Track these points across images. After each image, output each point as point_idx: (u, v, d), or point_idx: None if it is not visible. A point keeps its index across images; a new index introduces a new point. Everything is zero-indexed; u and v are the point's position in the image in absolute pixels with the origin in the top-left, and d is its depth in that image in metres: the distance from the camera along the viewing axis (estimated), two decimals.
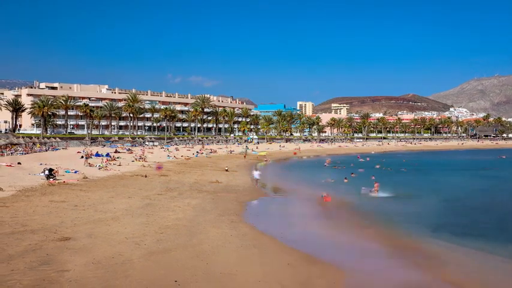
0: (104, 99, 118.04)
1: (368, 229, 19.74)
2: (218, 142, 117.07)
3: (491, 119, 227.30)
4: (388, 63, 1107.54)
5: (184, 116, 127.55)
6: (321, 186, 35.21)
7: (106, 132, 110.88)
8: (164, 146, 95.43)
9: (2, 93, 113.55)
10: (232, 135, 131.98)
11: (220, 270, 11.96)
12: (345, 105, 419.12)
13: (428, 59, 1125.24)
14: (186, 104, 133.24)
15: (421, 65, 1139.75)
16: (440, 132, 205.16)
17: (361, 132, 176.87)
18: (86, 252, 12.56)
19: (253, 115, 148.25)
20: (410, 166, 60.03)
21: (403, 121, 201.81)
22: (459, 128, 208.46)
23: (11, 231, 14.41)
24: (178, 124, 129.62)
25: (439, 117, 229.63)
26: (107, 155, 57.26)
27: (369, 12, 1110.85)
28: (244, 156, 69.81)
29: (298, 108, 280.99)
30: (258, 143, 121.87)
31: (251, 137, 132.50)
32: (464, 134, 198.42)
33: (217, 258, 13.12)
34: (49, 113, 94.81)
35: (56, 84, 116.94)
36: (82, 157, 50.56)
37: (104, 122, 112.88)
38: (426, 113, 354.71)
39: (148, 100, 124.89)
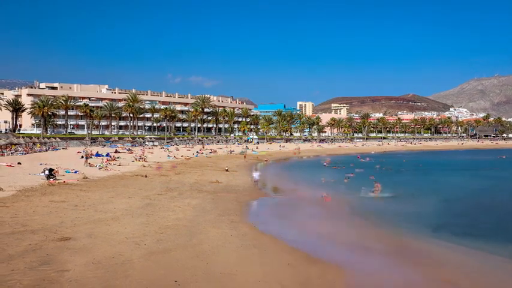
0: (104, 99, 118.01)
1: (368, 229, 19.75)
2: (218, 142, 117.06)
3: (491, 119, 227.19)
4: (388, 63, 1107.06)
5: (184, 116, 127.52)
6: (320, 186, 35.23)
7: (106, 132, 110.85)
8: (164, 146, 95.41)
9: (2, 93, 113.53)
10: (232, 135, 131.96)
11: (220, 270, 11.97)
12: (344, 105, 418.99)
13: (428, 59, 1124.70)
14: (186, 104, 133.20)
15: (421, 65, 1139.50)
16: (440, 132, 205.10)
17: (361, 132, 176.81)
18: (86, 252, 12.56)
19: (253, 115, 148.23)
20: (410, 166, 60.04)
21: (403, 121, 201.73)
22: (459, 128, 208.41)
23: (11, 231, 14.41)
24: (179, 124, 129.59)
25: (439, 117, 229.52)
26: (107, 155, 57.26)
27: (369, 12, 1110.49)
28: (245, 157, 69.79)
29: (298, 108, 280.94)
30: (258, 143, 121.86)
31: (251, 137, 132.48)
32: (464, 134, 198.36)
33: (217, 258, 13.12)
34: (49, 113, 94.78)
35: (56, 84, 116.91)
36: (82, 157, 50.55)
37: (104, 122, 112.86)
38: (426, 113, 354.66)
39: (149, 100, 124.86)
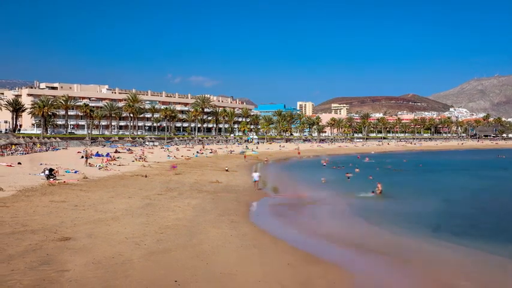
0: (104, 99, 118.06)
1: (368, 229, 19.76)
2: (218, 142, 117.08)
3: (491, 119, 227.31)
4: (388, 63, 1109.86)
5: (184, 116, 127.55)
6: (320, 186, 35.27)
7: (106, 132, 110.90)
8: (164, 146, 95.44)
9: (2, 93, 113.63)
10: (232, 135, 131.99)
11: (220, 270, 11.97)
12: (344, 105, 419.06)
13: (428, 59, 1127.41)
14: (186, 104, 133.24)
15: (421, 65, 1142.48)
16: (440, 132, 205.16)
17: (361, 132, 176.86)
18: (86, 252, 12.56)
19: (253, 115, 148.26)
20: (410, 166, 60.03)
21: (403, 121, 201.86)
22: (459, 128, 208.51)
23: (11, 231, 14.41)
24: (179, 124, 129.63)
25: (439, 118, 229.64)
26: (107, 155, 57.27)
27: (369, 12, 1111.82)
28: (245, 157, 69.79)
29: (298, 108, 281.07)
30: (258, 143, 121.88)
31: (251, 137, 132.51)
32: (464, 134, 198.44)
33: (217, 258, 13.12)
34: (49, 113, 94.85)
35: (56, 84, 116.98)
36: (82, 157, 50.55)
37: (104, 122, 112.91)
38: (426, 113, 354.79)
39: (149, 100, 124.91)
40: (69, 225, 15.98)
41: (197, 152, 75.51)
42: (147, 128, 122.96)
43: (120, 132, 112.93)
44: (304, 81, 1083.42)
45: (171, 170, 40.62)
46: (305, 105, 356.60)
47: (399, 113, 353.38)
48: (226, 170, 44.75)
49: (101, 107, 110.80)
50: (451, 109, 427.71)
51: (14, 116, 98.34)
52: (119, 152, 65.58)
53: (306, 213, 23.42)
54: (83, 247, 13.10)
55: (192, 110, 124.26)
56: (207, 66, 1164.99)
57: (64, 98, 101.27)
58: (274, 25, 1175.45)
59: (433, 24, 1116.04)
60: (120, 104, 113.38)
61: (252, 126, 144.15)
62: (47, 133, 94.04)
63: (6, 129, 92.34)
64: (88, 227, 15.87)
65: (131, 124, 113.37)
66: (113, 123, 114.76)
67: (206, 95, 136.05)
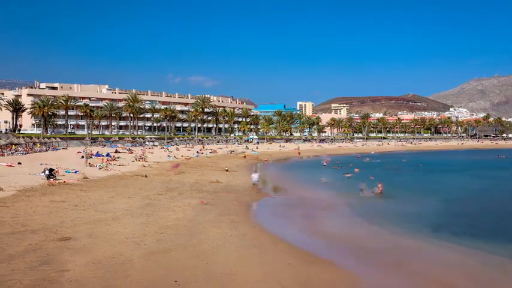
0: (104, 99, 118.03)
1: (368, 229, 19.76)
2: (218, 142, 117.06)
3: (491, 119, 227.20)
4: (388, 63, 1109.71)
5: (184, 116, 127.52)
6: (320, 186, 35.28)
7: (106, 132, 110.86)
8: (164, 146, 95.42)
9: (3, 93, 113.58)
10: (232, 135, 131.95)
11: (220, 270, 11.97)
12: (344, 105, 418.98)
13: (428, 59, 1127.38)
14: (186, 104, 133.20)
15: (421, 65, 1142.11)
16: (440, 132, 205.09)
17: (361, 133, 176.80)
18: (86, 252, 12.57)
19: (253, 115, 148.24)
20: (410, 166, 60.02)
21: (403, 121, 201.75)
22: (459, 128, 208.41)
23: (12, 231, 14.42)
24: (179, 124, 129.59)
25: (439, 118, 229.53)
26: (107, 155, 57.27)
27: (369, 12, 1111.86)
28: (244, 157, 69.79)
29: (298, 108, 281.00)
30: (258, 143, 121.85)
31: (251, 137, 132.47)
32: (464, 134, 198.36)
33: (217, 258, 13.13)
34: (49, 113, 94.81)
35: (56, 84, 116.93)
36: (82, 157, 50.57)
37: (104, 122, 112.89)
38: (426, 113, 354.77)
39: (149, 100, 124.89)
40: (69, 225, 15.99)
41: (197, 152, 75.51)
42: (147, 128, 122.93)
43: (120, 132, 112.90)
44: (304, 81, 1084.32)
45: (173, 170, 40.70)
46: (305, 105, 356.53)
47: (399, 113, 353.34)
48: (226, 170, 44.76)
49: (101, 107, 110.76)
50: (451, 109, 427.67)
51: (14, 116, 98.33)
52: (119, 152, 65.58)
53: (306, 213, 23.41)
54: (83, 247, 13.11)
55: (192, 110, 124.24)
56: (207, 66, 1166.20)
57: (64, 98, 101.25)
58: (274, 25, 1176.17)
59: (433, 24, 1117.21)
60: (120, 104, 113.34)
61: (252, 126, 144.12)
62: (47, 133, 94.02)
63: (6, 129, 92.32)
64: (88, 227, 15.87)
65: (131, 124, 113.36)
66: (113, 123, 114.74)
67: (206, 95, 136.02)
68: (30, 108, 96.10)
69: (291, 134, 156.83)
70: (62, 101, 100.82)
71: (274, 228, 18.78)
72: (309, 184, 37.72)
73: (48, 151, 68.96)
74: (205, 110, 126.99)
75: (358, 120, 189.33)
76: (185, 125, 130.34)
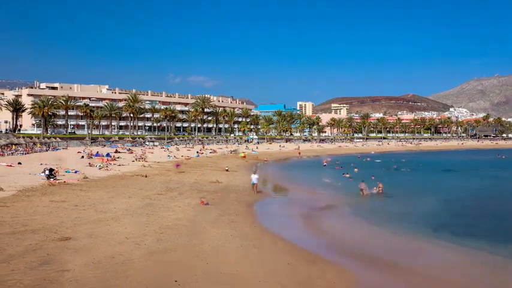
0: (104, 99, 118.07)
1: (368, 228, 19.76)
2: (218, 142, 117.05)
3: (491, 119, 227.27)
4: (388, 63, 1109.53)
5: (184, 116, 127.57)
6: (321, 186, 35.29)
7: (106, 132, 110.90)
8: (164, 146, 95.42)
9: (3, 94, 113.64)
10: (232, 135, 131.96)
11: (220, 270, 11.97)
12: (344, 105, 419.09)
13: (428, 59, 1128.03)
14: (186, 104, 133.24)
15: (421, 65, 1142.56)
16: (440, 132, 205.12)
17: (361, 132, 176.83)
18: (86, 252, 12.56)
19: (253, 115, 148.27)
20: (410, 166, 60.00)
21: (403, 121, 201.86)
22: (459, 128, 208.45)
23: (12, 231, 14.41)
24: (179, 124, 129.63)
25: (439, 118, 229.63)
26: (107, 155, 57.26)
27: (369, 12, 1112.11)
28: (244, 157, 69.78)
29: (298, 108, 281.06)
30: (258, 143, 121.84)
31: (251, 137, 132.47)
32: (464, 134, 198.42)
33: (217, 258, 13.12)
34: (49, 113, 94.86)
35: (56, 84, 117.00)
36: (82, 157, 50.60)
37: (104, 122, 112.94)
38: (426, 113, 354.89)
39: (149, 100, 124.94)
40: (70, 225, 15.98)
41: (197, 152, 75.50)
42: (147, 128, 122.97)
43: (120, 132, 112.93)
44: (304, 81, 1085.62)
45: (176, 168, 40.91)
46: (305, 105, 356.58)
47: (399, 113, 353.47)
48: (227, 170, 44.76)
49: (101, 107, 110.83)
50: (451, 109, 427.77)
51: (14, 116, 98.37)
52: (119, 152, 65.57)
53: (306, 213, 23.40)
54: (83, 247, 13.11)
55: (192, 110, 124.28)
56: (207, 66, 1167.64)
57: (64, 98, 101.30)
58: (275, 25, 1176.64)
59: (433, 24, 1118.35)
60: (120, 104, 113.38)
61: (252, 126, 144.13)
62: (47, 133, 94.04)
63: (6, 129, 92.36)
64: (88, 226, 15.87)
65: (131, 124, 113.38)
66: (113, 123, 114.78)
67: (206, 95, 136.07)
68: (30, 108, 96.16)
69: (291, 134, 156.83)
70: (62, 101, 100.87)
71: (274, 228, 18.77)
72: (309, 184, 37.70)
73: (48, 151, 68.96)
74: (205, 110, 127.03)
75: (358, 120, 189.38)
76: (185, 125, 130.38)
